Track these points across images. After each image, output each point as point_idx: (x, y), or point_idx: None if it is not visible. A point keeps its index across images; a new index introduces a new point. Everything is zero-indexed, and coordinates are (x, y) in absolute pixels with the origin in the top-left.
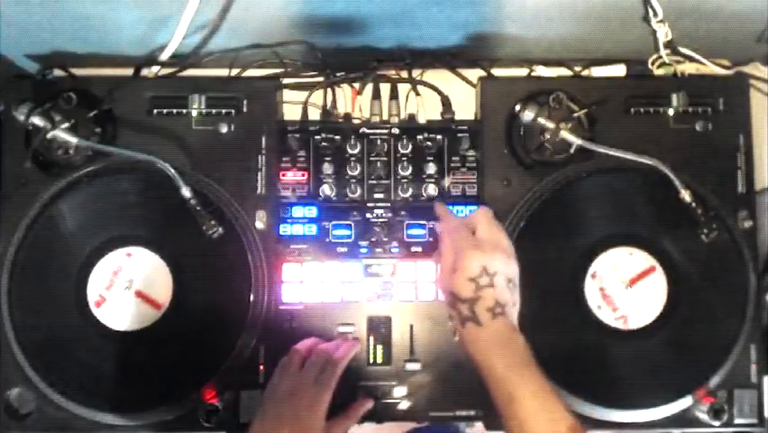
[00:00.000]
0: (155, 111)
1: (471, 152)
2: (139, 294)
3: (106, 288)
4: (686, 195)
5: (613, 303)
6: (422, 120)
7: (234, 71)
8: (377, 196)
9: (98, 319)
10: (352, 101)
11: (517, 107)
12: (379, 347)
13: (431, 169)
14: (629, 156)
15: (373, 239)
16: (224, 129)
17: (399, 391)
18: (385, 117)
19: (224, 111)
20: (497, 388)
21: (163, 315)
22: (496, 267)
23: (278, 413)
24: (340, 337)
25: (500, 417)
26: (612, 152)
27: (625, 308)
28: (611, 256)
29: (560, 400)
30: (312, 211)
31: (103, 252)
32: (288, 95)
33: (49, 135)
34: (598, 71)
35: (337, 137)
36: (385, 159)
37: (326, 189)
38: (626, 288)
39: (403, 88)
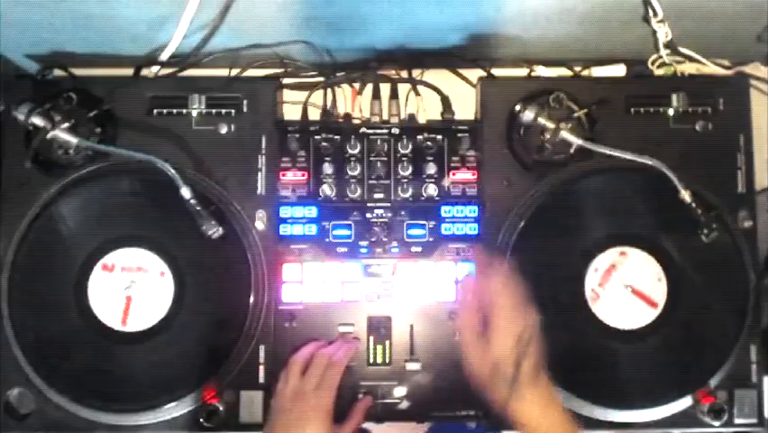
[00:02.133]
0: (155, 111)
1: (471, 152)
2: (139, 294)
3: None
4: (686, 195)
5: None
6: (422, 120)
7: (234, 71)
8: (377, 196)
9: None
10: (352, 101)
11: (517, 107)
12: (379, 347)
13: (431, 169)
14: (629, 156)
15: (373, 239)
16: (224, 129)
17: (399, 391)
18: (385, 117)
19: (223, 111)
20: None
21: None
22: (529, 329)
23: (285, 422)
24: (340, 337)
25: None
26: (612, 152)
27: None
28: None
29: None
30: (312, 211)
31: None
32: (288, 95)
33: (49, 135)
34: (598, 71)
35: (337, 137)
36: (385, 159)
37: (326, 189)
38: (626, 288)
39: (403, 88)
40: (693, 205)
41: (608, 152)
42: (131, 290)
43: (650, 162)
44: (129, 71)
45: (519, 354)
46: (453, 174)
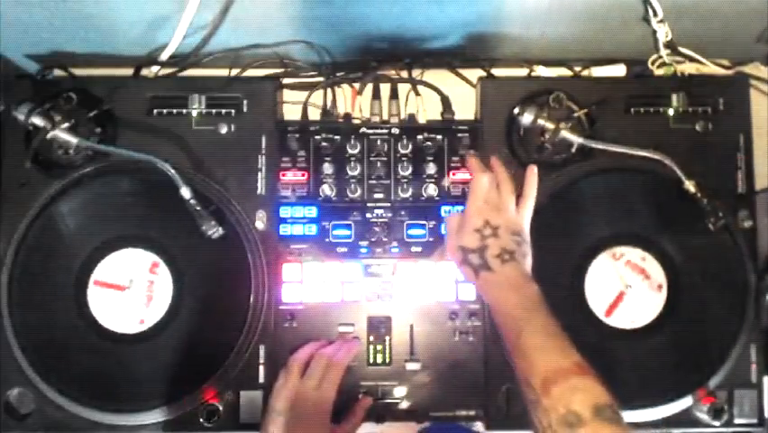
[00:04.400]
0: (155, 111)
1: (471, 152)
2: (139, 294)
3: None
4: (690, 185)
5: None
6: (422, 120)
7: (234, 71)
8: (377, 196)
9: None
10: (352, 101)
11: (517, 108)
12: (379, 347)
13: (431, 169)
14: (630, 150)
15: (373, 239)
16: (224, 129)
17: (399, 391)
18: (385, 117)
19: (223, 111)
20: (507, 324)
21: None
22: (497, 221)
23: (284, 421)
24: (340, 337)
25: (508, 352)
26: (613, 148)
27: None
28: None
29: (567, 339)
30: (312, 211)
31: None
32: (288, 95)
33: (49, 135)
34: (598, 71)
35: (337, 137)
36: (385, 159)
37: (326, 189)
38: (626, 288)
39: (403, 88)
40: (698, 194)
41: (609, 147)
42: (130, 289)
43: (652, 155)
44: (129, 71)
45: (481, 244)
46: (453, 174)
